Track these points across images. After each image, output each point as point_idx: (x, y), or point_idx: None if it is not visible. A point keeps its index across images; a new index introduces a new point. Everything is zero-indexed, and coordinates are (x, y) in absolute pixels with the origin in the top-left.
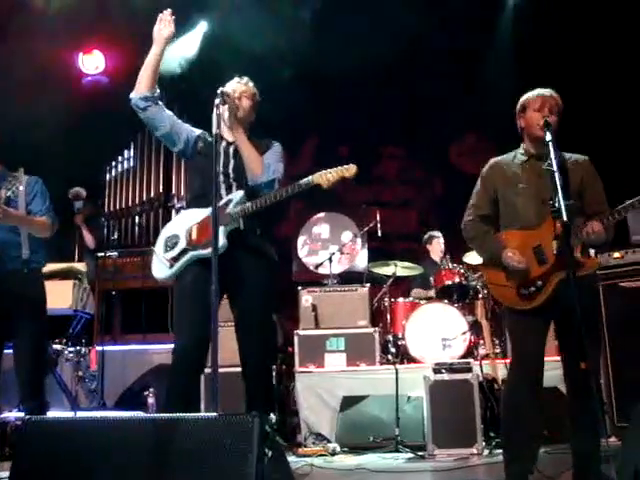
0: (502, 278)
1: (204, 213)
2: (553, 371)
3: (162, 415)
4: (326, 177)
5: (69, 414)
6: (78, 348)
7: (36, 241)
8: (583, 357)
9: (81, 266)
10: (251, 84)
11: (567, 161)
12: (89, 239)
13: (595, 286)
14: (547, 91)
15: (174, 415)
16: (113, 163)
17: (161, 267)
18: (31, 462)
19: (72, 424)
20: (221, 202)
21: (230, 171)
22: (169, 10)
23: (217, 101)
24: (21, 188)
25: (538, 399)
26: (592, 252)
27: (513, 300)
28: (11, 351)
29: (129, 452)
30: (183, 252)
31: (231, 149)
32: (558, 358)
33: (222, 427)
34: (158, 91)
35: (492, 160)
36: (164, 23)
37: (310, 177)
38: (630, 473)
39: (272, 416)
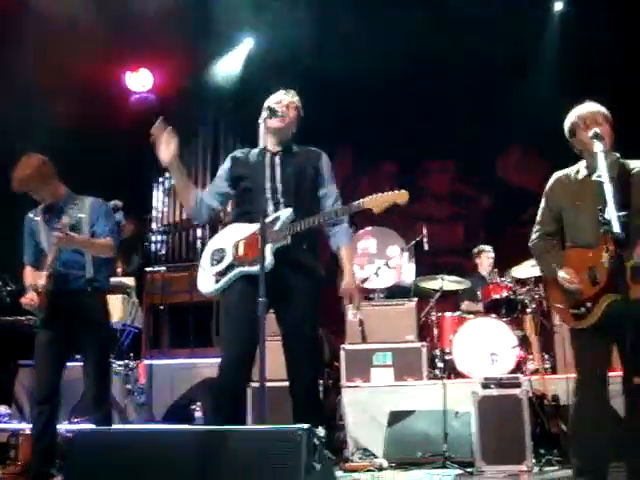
0: (559, 297)
1: (251, 229)
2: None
3: (211, 427)
4: (378, 201)
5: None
6: (127, 362)
7: (99, 261)
8: (637, 372)
9: (130, 281)
10: (296, 97)
11: (632, 171)
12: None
13: None
14: (585, 107)
15: (222, 428)
16: (160, 179)
17: (207, 281)
18: (80, 474)
19: (120, 436)
20: (269, 219)
21: (277, 184)
22: (159, 123)
23: (264, 115)
24: (82, 215)
25: (604, 414)
26: None
27: (567, 319)
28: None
29: (177, 465)
30: (230, 267)
31: (277, 159)
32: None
33: (270, 440)
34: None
35: (555, 175)
36: (162, 145)
37: (362, 200)
38: None
39: (321, 429)
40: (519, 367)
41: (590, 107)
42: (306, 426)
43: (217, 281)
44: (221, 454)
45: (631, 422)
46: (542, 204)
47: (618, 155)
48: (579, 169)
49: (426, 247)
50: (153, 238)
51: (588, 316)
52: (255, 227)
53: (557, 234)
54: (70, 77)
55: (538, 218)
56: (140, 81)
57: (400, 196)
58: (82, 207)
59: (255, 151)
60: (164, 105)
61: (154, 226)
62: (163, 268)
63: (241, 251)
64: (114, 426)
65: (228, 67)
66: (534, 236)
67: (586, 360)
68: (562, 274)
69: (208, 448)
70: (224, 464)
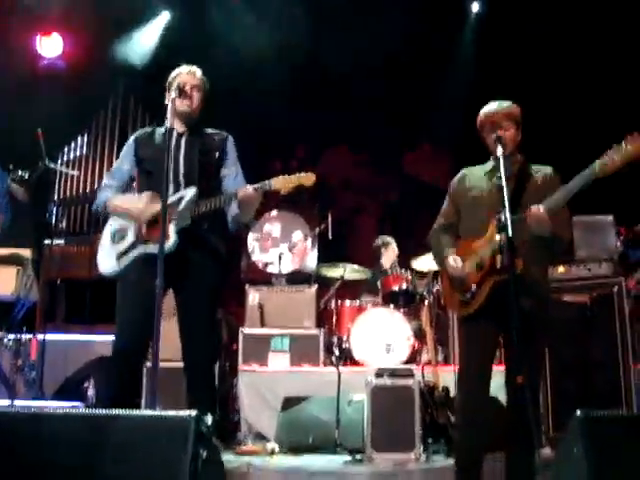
0: (448, 284)
1: (154, 207)
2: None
3: (97, 411)
4: (285, 183)
5: (6, 403)
6: (18, 336)
7: None
8: (519, 370)
9: (26, 252)
10: (199, 73)
11: (532, 173)
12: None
13: (542, 293)
14: (493, 107)
15: (109, 411)
16: (65, 149)
17: (107, 260)
18: None
19: (1, 416)
20: (173, 198)
21: (180, 166)
22: None
23: (172, 95)
24: None
25: (483, 407)
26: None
27: (456, 306)
28: None
29: (62, 447)
30: (132, 246)
31: (182, 141)
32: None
33: (158, 426)
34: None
35: (462, 170)
36: None
37: (269, 181)
38: None
39: (209, 417)
40: (413, 357)
41: (497, 107)
42: (194, 413)
43: (118, 260)
44: (107, 438)
45: (510, 418)
46: (446, 197)
47: (521, 157)
48: (484, 166)
49: (330, 235)
50: (54, 210)
51: (473, 301)
52: (158, 207)
53: (453, 227)
54: None
55: (441, 211)
56: (51, 46)
57: (307, 178)
58: None
59: (160, 130)
60: (74, 73)
61: (55, 197)
62: (62, 241)
63: (144, 230)
64: (2, 402)
65: (143, 40)
66: (434, 227)
67: (471, 352)
68: (450, 261)
69: (94, 431)
70: (109, 448)
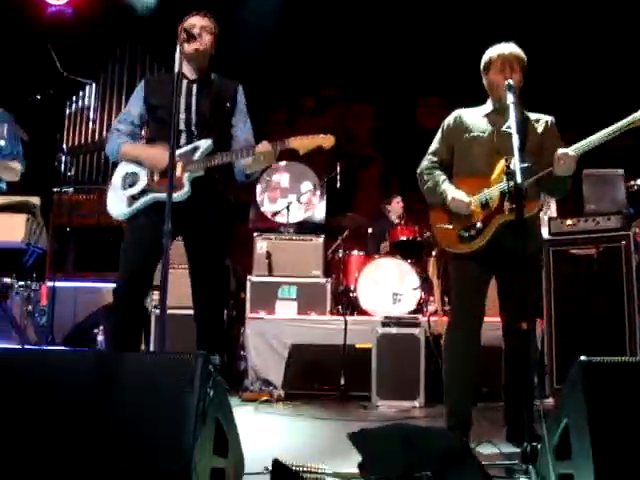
0: (446, 219)
1: (168, 154)
2: (497, 331)
3: (105, 351)
4: (304, 143)
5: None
6: (29, 283)
7: None
8: (524, 316)
9: (35, 200)
10: (210, 16)
11: (530, 121)
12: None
13: (535, 230)
14: (507, 48)
15: (117, 352)
16: (74, 98)
17: (118, 203)
18: None
19: (12, 356)
20: (188, 148)
21: (192, 115)
22: None
23: (180, 38)
24: None
25: (477, 351)
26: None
27: (453, 242)
28: None
29: (70, 386)
30: (143, 192)
31: (194, 88)
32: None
33: (165, 365)
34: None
35: (456, 110)
36: None
37: (288, 140)
38: (559, 429)
39: (217, 356)
40: (420, 308)
41: (514, 51)
42: (201, 353)
43: (130, 205)
44: (114, 377)
45: (510, 365)
46: (437, 135)
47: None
48: (481, 108)
49: (338, 185)
50: (62, 158)
51: (477, 238)
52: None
53: (447, 165)
54: None
55: (431, 148)
56: None
57: (326, 140)
58: None
59: (171, 76)
60: (81, 21)
61: (64, 145)
62: (70, 189)
63: (156, 177)
64: (13, 347)
65: None
66: (424, 164)
67: (465, 294)
68: (454, 195)
69: (101, 370)
70: (117, 387)
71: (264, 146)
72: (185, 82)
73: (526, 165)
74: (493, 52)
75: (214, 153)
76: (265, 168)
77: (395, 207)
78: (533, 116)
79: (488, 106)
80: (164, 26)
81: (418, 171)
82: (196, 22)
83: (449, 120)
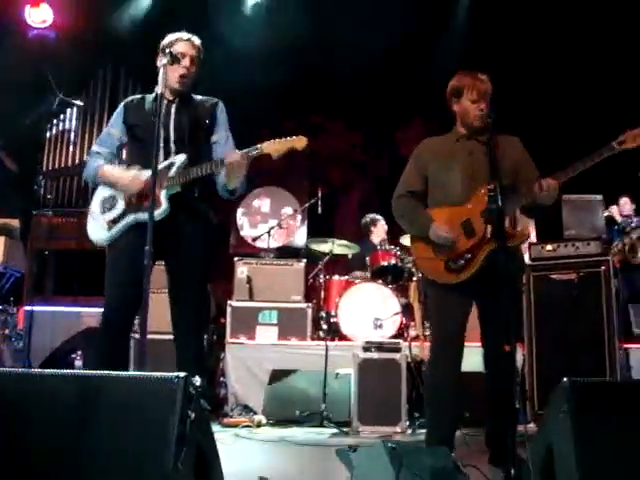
0: (430, 251)
1: (144, 175)
2: (479, 356)
3: (86, 372)
4: (276, 146)
5: None
6: (6, 306)
7: None
8: (508, 339)
9: (14, 222)
10: (197, 41)
11: (501, 142)
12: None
13: (519, 255)
14: (483, 81)
15: (98, 373)
16: (54, 121)
17: (98, 229)
18: None
19: None
20: (163, 165)
21: (171, 132)
22: None
23: (164, 61)
24: None
25: (458, 379)
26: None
27: (440, 273)
28: None
29: (50, 408)
30: (123, 214)
31: (173, 107)
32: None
33: (145, 387)
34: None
35: (425, 140)
36: None
37: (260, 145)
38: (542, 452)
39: (198, 379)
40: (401, 333)
41: (485, 82)
42: (182, 374)
43: (109, 229)
44: (95, 399)
45: (492, 389)
46: (408, 166)
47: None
48: (448, 135)
49: (320, 210)
50: (42, 182)
51: (466, 268)
52: (148, 174)
53: (421, 195)
54: None
55: (402, 178)
56: (40, 16)
57: (299, 141)
58: None
59: (150, 97)
60: (63, 44)
61: (44, 168)
62: (50, 212)
63: (134, 198)
64: None
65: (132, 11)
66: (397, 194)
67: (448, 324)
68: (437, 228)
69: (82, 392)
70: (97, 409)
71: (233, 156)
72: (165, 102)
73: (508, 191)
74: (466, 80)
75: (189, 168)
76: (249, 189)
77: (380, 230)
78: (502, 138)
79: (457, 132)
80: (146, 48)
81: (392, 202)
82: (185, 51)
83: (419, 150)
